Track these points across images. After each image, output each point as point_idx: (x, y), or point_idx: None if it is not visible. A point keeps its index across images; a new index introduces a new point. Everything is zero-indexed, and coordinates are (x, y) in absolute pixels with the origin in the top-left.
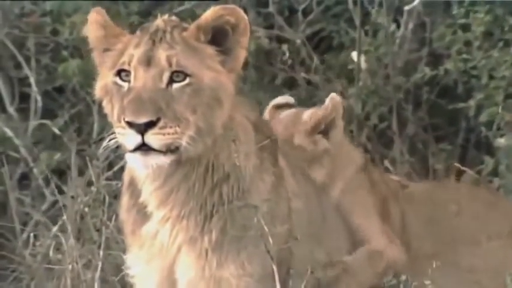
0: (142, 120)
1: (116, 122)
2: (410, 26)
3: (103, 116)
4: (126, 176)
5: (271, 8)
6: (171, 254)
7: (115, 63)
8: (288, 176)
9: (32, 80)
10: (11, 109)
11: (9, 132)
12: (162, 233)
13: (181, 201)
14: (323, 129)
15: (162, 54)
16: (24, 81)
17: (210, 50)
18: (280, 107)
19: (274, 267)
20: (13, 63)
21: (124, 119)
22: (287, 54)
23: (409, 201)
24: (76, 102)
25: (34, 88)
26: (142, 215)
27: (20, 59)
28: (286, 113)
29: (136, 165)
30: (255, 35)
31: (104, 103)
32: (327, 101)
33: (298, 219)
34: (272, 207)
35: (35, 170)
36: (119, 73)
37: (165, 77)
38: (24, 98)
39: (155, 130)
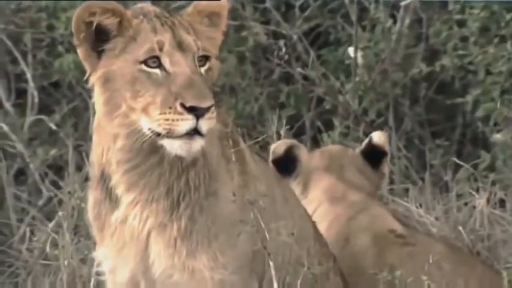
0: (207, 104)
1: (162, 108)
2: (407, 21)
3: None
4: (95, 171)
5: (268, 4)
6: (143, 238)
7: (125, 49)
8: (250, 159)
9: (28, 75)
10: (7, 104)
11: (5, 128)
12: (132, 217)
13: (152, 185)
14: None
15: (188, 38)
16: (20, 76)
17: (213, 33)
18: None
19: (271, 264)
20: (9, 58)
21: (181, 104)
22: (284, 49)
23: (403, 260)
24: (72, 97)
25: (31, 83)
26: (112, 202)
27: (17, 54)
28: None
29: (181, 151)
30: (252, 30)
31: (100, 90)
32: None
33: (263, 202)
34: (242, 197)
35: (31, 166)
36: (145, 61)
37: (196, 61)
38: (21, 93)
39: (209, 114)
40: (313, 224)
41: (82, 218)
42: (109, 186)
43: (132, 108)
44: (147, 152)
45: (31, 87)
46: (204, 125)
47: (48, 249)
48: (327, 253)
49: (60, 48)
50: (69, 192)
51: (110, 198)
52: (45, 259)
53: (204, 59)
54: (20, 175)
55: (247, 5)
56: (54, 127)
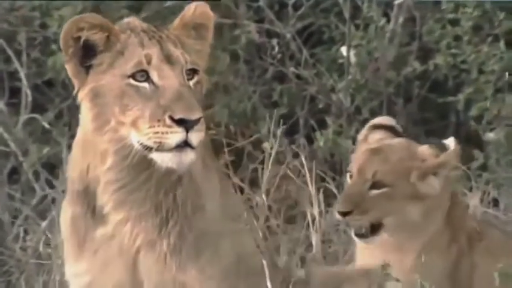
0: (196, 116)
1: (150, 121)
2: (400, 20)
3: None
4: (76, 186)
5: (262, 2)
6: (131, 254)
7: (112, 64)
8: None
9: (22, 74)
10: (1, 103)
11: None
12: (122, 235)
13: (139, 202)
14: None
15: (176, 52)
16: (13, 75)
17: (200, 46)
18: (377, 127)
19: (265, 262)
20: (3, 57)
21: (170, 117)
22: (277, 48)
23: (484, 256)
24: (66, 96)
25: (24, 82)
26: (97, 219)
27: (10, 53)
28: (398, 142)
29: (172, 164)
30: (245, 29)
31: (89, 106)
32: (449, 146)
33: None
34: (225, 204)
35: (24, 165)
36: (133, 75)
37: (184, 74)
38: (14, 92)
39: (199, 126)
40: None
41: None
42: (92, 202)
43: (121, 123)
44: (136, 169)
45: (25, 85)
46: (194, 137)
47: (41, 248)
48: None
49: (53, 46)
50: (63, 191)
51: (93, 213)
52: (39, 258)
53: (192, 72)
54: (13, 174)
55: (240, 4)
56: (47, 126)
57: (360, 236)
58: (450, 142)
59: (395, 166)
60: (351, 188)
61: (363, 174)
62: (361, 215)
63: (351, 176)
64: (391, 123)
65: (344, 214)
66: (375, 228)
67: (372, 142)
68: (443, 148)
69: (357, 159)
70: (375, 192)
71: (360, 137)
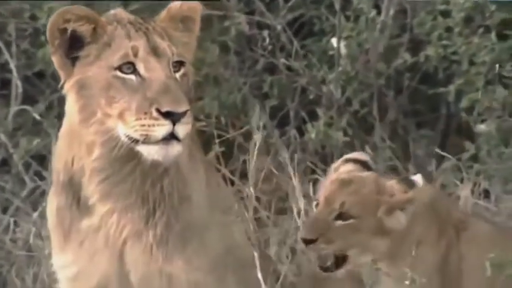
0: (182, 109)
1: (137, 114)
2: (391, 11)
3: None
4: (61, 177)
5: None
6: (118, 245)
7: (99, 56)
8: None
9: (12, 65)
10: None
11: None
12: (108, 226)
13: (125, 194)
14: None
15: (162, 44)
16: (4, 66)
17: (186, 38)
18: (351, 161)
19: (256, 254)
20: None
21: (157, 109)
22: (268, 40)
23: (470, 247)
24: (56, 87)
25: (15, 74)
26: (82, 210)
27: (0, 44)
28: (368, 175)
29: (158, 156)
30: (235, 20)
31: (75, 97)
32: (417, 182)
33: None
34: (213, 195)
35: (15, 156)
36: (119, 67)
37: (171, 66)
38: (5, 84)
39: (185, 119)
40: None
41: None
42: (77, 193)
43: (108, 115)
44: (123, 160)
45: (15, 77)
46: (181, 129)
47: (32, 240)
48: None
49: (43, 38)
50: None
51: (78, 204)
52: (29, 250)
53: (179, 64)
54: (4, 165)
55: None
56: (38, 117)
57: (324, 269)
58: (418, 179)
59: (364, 199)
60: (317, 216)
61: (330, 204)
62: (325, 244)
63: (317, 205)
64: (366, 158)
65: (308, 242)
66: (339, 262)
67: (342, 173)
68: (411, 184)
69: (325, 189)
70: (340, 222)
71: (333, 168)
